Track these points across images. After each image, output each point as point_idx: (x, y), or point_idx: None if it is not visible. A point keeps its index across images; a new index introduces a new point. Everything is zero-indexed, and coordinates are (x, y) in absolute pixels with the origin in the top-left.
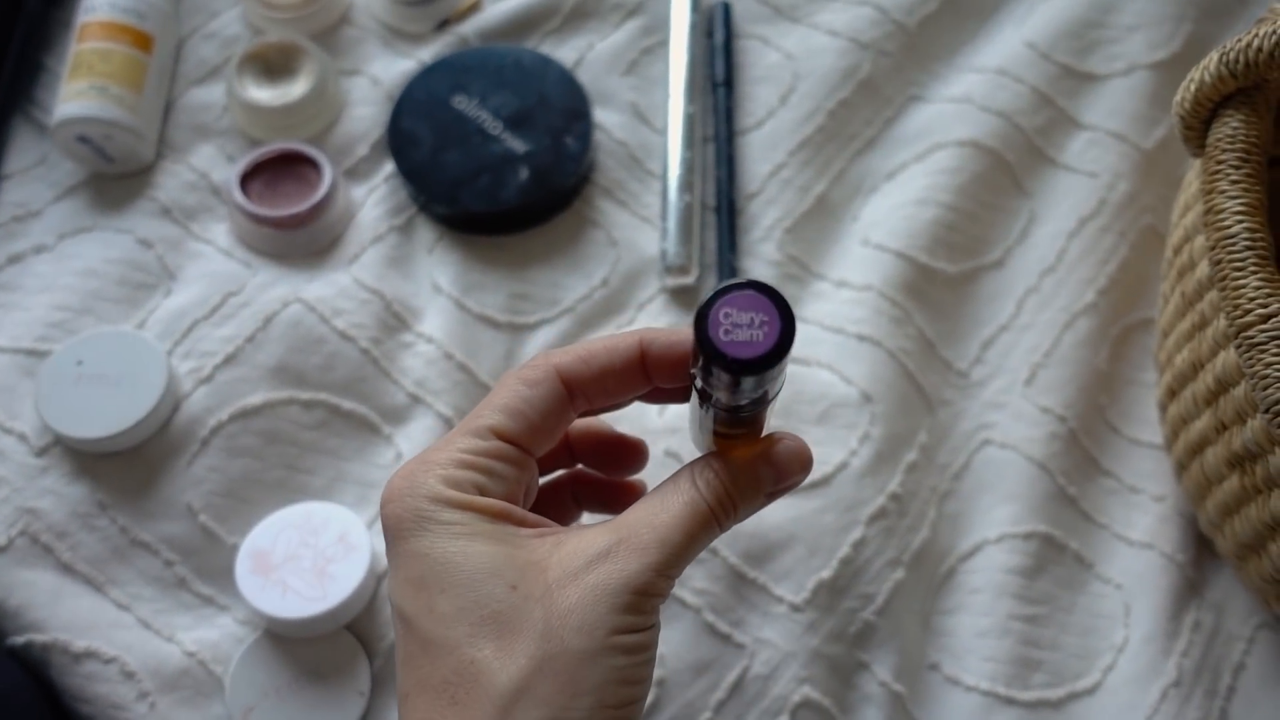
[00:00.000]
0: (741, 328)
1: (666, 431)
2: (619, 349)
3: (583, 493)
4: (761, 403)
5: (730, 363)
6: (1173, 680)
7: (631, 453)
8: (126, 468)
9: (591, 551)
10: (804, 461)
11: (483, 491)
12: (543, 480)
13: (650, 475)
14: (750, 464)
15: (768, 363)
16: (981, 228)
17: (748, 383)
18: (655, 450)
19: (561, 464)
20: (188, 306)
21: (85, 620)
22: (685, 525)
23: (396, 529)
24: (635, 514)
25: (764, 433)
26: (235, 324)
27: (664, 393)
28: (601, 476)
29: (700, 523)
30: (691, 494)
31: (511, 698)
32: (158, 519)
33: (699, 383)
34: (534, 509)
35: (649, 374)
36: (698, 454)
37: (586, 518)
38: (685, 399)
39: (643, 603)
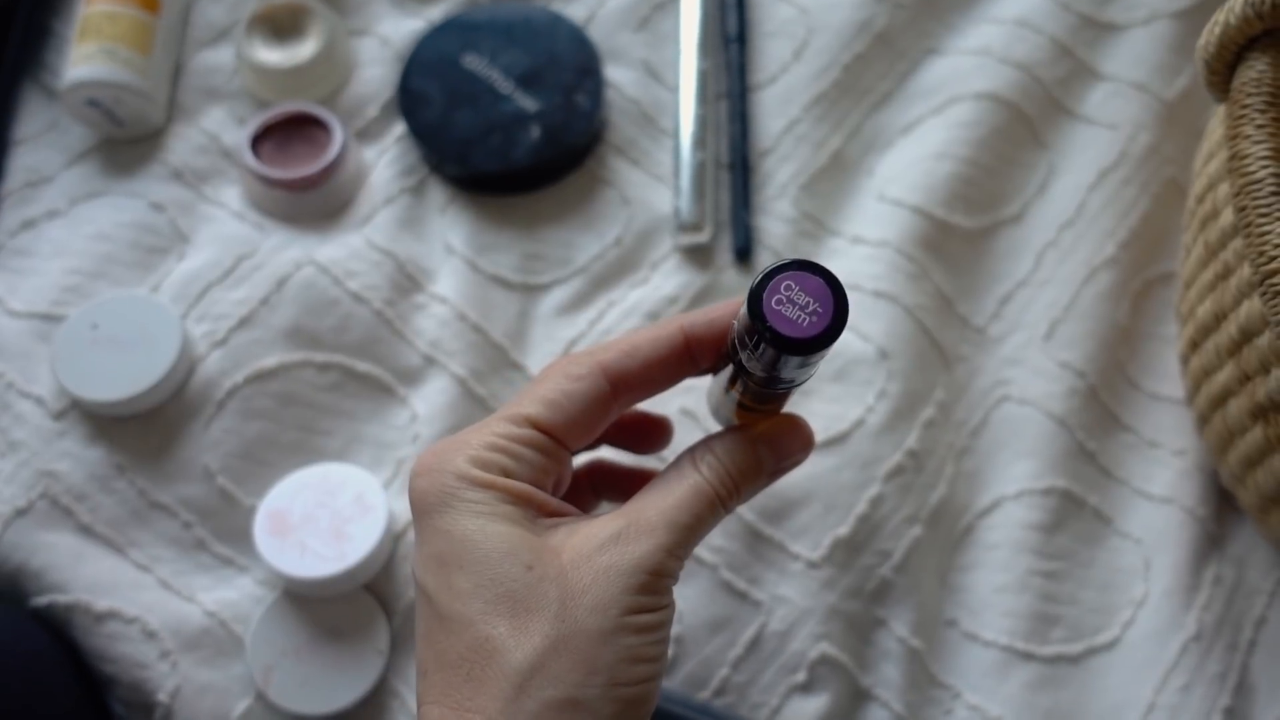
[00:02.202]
0: (796, 306)
1: (681, 390)
2: (662, 338)
3: (602, 482)
4: (795, 383)
5: (786, 342)
6: (1193, 634)
7: (656, 429)
8: (144, 430)
9: (603, 535)
10: (804, 440)
11: (508, 474)
12: None
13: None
14: (749, 445)
15: (821, 344)
16: (999, 182)
17: (793, 361)
18: (671, 409)
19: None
20: (201, 270)
21: (106, 581)
22: (691, 507)
23: (422, 504)
24: (642, 499)
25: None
26: (248, 287)
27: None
28: (618, 465)
29: (705, 504)
30: (694, 478)
31: (526, 675)
32: (176, 481)
33: (740, 354)
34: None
35: (694, 358)
36: (711, 416)
37: (605, 507)
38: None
39: (654, 582)
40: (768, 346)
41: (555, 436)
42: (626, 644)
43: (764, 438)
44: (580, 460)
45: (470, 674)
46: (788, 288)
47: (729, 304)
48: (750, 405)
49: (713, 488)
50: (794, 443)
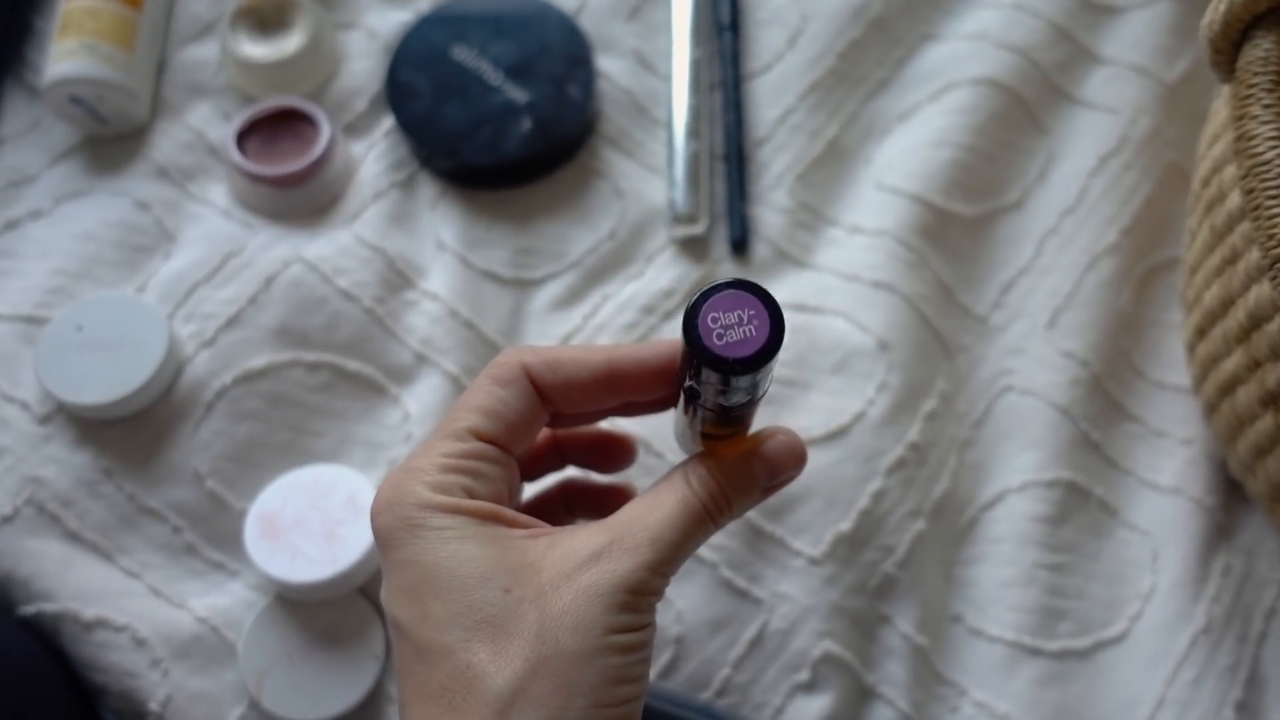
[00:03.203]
0: (731, 328)
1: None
2: (586, 363)
3: (574, 500)
4: (752, 401)
5: (727, 364)
6: (1202, 627)
7: (619, 448)
8: (131, 434)
9: (584, 552)
10: (797, 456)
11: (470, 493)
12: (534, 489)
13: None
14: (743, 460)
15: (763, 359)
16: (999, 168)
17: (741, 381)
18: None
19: (551, 466)
20: (187, 269)
21: (95, 589)
22: (679, 523)
23: (387, 539)
24: (628, 513)
25: (751, 430)
26: (236, 285)
27: (640, 406)
28: (593, 483)
29: (694, 520)
30: (684, 492)
31: (508, 700)
32: (164, 485)
33: (687, 383)
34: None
35: (618, 390)
36: (679, 450)
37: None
38: (661, 409)
39: (637, 602)
40: (709, 371)
41: (499, 444)
42: (609, 664)
43: (758, 453)
44: (552, 479)
45: (452, 704)
46: (720, 309)
47: (661, 343)
48: (712, 432)
49: (702, 502)
50: (788, 458)
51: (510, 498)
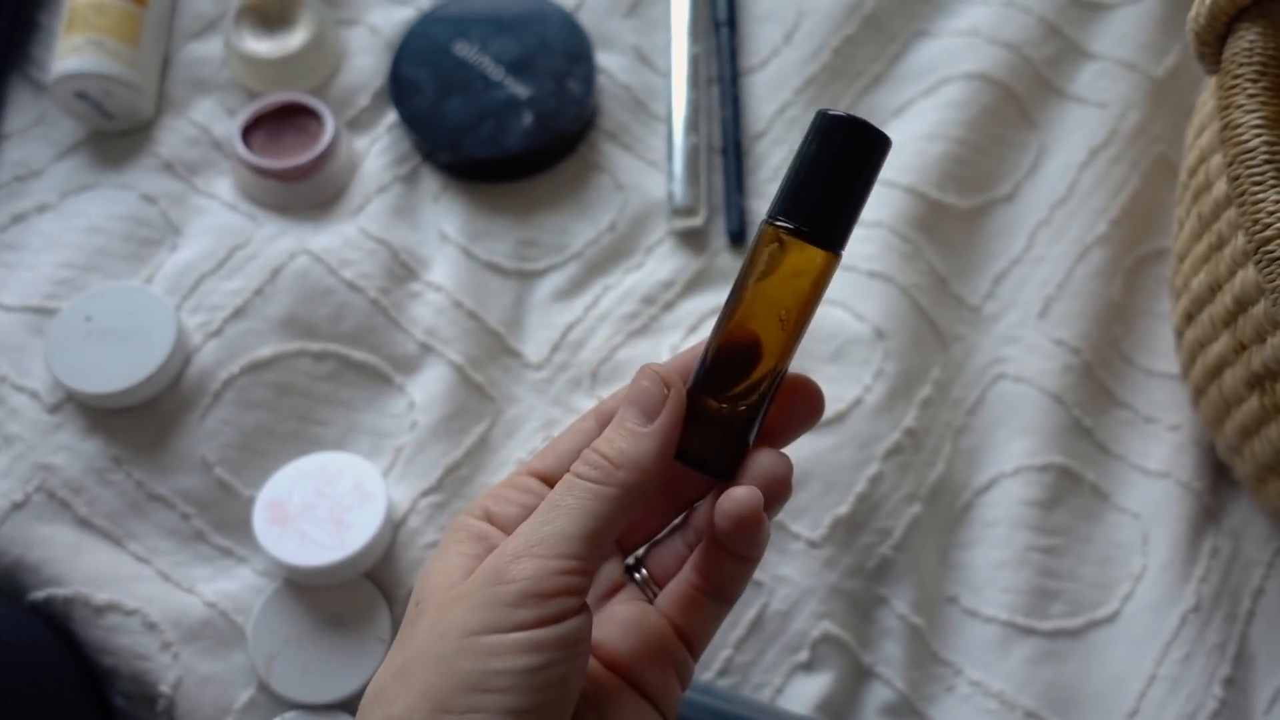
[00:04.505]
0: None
1: None
2: (577, 429)
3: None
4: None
5: (847, 116)
6: (1192, 606)
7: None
8: (140, 422)
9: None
10: (662, 377)
11: (489, 515)
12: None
13: None
14: (609, 420)
15: (877, 135)
16: (991, 161)
17: (846, 159)
18: None
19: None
20: (194, 261)
21: (105, 574)
22: (544, 507)
23: None
24: None
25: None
26: (242, 277)
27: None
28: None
29: (563, 487)
30: (557, 492)
31: (373, 697)
32: (173, 473)
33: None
34: None
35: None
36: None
37: None
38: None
39: (502, 594)
40: (833, 133)
41: (545, 479)
42: (464, 669)
43: (624, 401)
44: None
45: (377, 692)
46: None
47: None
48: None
49: (575, 473)
50: (651, 386)
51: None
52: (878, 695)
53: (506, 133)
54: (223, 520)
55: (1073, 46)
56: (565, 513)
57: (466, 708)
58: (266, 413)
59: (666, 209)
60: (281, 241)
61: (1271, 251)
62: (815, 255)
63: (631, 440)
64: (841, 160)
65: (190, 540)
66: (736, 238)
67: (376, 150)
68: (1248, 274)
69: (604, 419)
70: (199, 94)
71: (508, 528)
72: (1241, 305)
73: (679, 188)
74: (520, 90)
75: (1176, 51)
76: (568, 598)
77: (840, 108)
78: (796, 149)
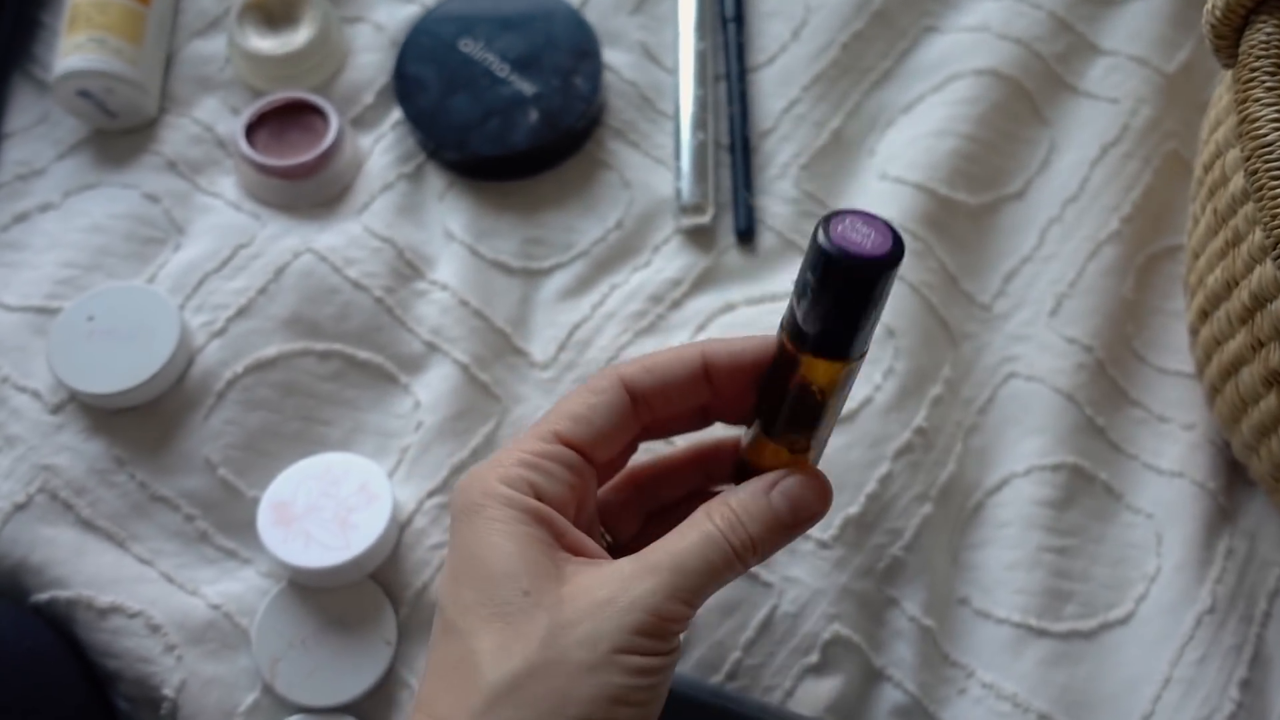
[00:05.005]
0: (858, 234)
1: None
2: (680, 359)
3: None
4: (847, 345)
5: (846, 257)
6: (1207, 607)
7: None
8: (143, 423)
9: (608, 573)
10: (822, 492)
11: (537, 490)
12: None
13: None
14: (763, 495)
15: (878, 266)
16: (1002, 158)
17: (857, 291)
18: None
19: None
20: (198, 260)
21: (108, 576)
22: (699, 552)
23: (453, 520)
24: (655, 545)
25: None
26: (246, 276)
27: (727, 408)
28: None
29: (715, 551)
30: (706, 526)
31: (498, 695)
32: (176, 474)
33: (795, 313)
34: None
35: (712, 383)
36: None
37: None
38: (748, 420)
39: (653, 624)
40: (831, 272)
41: (582, 450)
42: (610, 682)
43: (778, 489)
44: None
45: (451, 684)
46: (851, 223)
47: (754, 338)
48: (783, 431)
49: (724, 535)
50: (809, 494)
51: (581, 503)
52: (889, 698)
53: (512, 130)
54: (227, 521)
55: (1084, 42)
56: (697, 550)
57: (608, 718)
58: (271, 413)
59: (674, 206)
60: (286, 240)
61: None
62: (834, 367)
63: (772, 534)
64: (845, 300)
65: (194, 542)
66: (744, 235)
67: (381, 148)
68: (1266, 270)
69: (710, 359)
70: (202, 92)
71: (561, 510)
72: (1259, 302)
73: (686, 185)
74: (526, 87)
75: (1189, 46)
76: (682, 627)
77: (848, 209)
78: (804, 260)
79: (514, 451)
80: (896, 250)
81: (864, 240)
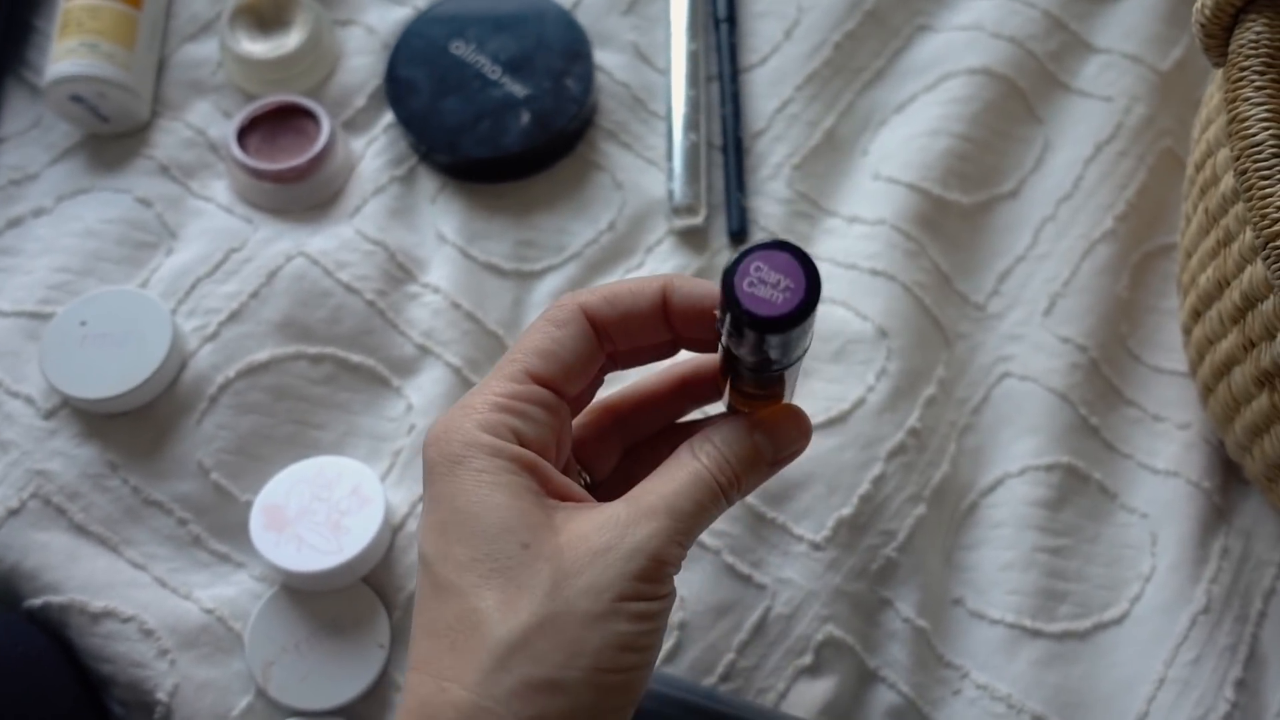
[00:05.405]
0: (768, 285)
1: None
2: (643, 292)
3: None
4: (776, 364)
5: (750, 318)
6: (1202, 607)
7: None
8: (135, 427)
9: (602, 519)
10: (802, 428)
11: (519, 436)
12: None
13: None
14: (746, 433)
15: (783, 324)
16: (995, 157)
17: (772, 340)
18: None
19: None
20: (190, 264)
21: (101, 580)
22: (691, 493)
23: (430, 472)
24: (643, 487)
25: (787, 399)
26: (239, 280)
27: (691, 343)
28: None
29: (705, 490)
30: (694, 465)
31: (508, 650)
32: (169, 478)
33: (723, 337)
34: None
35: (671, 321)
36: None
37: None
38: (713, 351)
39: (653, 569)
40: (747, 329)
41: (554, 386)
42: (617, 630)
43: (761, 426)
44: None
45: (454, 644)
46: (757, 269)
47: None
48: (751, 391)
49: (711, 474)
50: (791, 430)
51: (559, 444)
52: (883, 699)
53: (504, 132)
54: (220, 525)
55: (1077, 40)
56: (688, 492)
57: (620, 666)
58: (263, 417)
59: (666, 208)
60: (278, 244)
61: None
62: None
63: (757, 470)
64: (762, 345)
65: (187, 546)
66: (737, 236)
67: (373, 151)
68: (1256, 270)
69: (670, 294)
70: (194, 96)
71: (543, 453)
72: (1250, 301)
73: (679, 186)
74: (518, 89)
75: (1182, 44)
76: (678, 569)
77: (762, 244)
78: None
79: (486, 395)
80: (809, 298)
81: (773, 292)
